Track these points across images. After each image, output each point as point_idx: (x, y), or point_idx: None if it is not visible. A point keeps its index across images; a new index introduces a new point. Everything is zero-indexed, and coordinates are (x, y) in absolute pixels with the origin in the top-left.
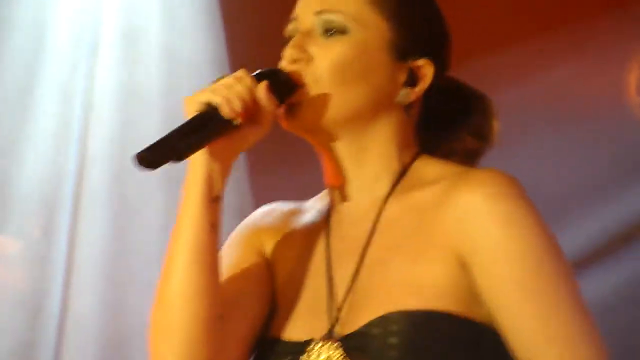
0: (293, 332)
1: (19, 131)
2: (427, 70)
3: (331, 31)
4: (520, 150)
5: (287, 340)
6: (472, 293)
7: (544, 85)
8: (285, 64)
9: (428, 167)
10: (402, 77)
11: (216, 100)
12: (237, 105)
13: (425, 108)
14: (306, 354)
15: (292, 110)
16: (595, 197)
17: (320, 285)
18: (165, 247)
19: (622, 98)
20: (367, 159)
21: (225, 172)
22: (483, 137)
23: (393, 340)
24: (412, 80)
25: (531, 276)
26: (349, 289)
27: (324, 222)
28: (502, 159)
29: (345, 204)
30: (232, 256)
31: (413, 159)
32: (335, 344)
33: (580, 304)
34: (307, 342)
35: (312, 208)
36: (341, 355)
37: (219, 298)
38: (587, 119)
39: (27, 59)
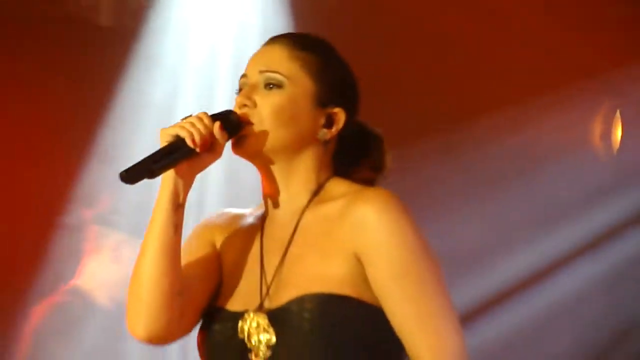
0: (233, 304)
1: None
2: (340, 116)
3: (270, 86)
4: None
5: (229, 310)
6: (366, 282)
7: (529, 135)
8: (236, 108)
9: (337, 186)
10: (322, 120)
11: (182, 134)
12: (198, 139)
13: (340, 143)
14: (242, 320)
15: (240, 141)
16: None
17: (255, 271)
18: None
19: (589, 144)
20: (292, 179)
21: (187, 186)
22: (377, 169)
23: (307, 315)
24: (329, 123)
25: (407, 276)
26: (274, 276)
27: (260, 224)
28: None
29: (276, 211)
30: (190, 247)
31: (326, 180)
32: (264, 315)
33: (447, 302)
34: (244, 312)
35: (252, 214)
36: (267, 323)
37: (179, 280)
38: (562, 160)
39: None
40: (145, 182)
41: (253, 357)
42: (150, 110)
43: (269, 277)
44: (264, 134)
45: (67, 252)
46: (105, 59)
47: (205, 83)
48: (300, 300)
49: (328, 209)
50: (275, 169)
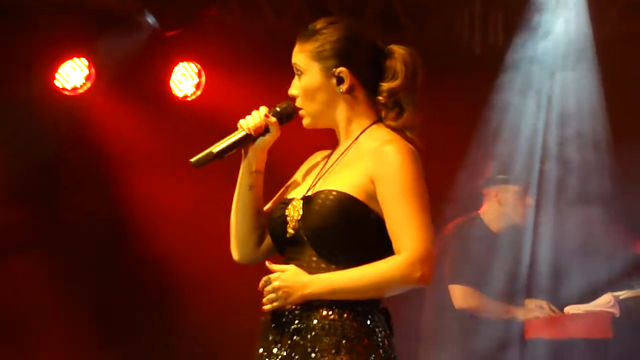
0: (291, 194)
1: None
2: (344, 72)
3: (299, 74)
4: None
5: (286, 197)
6: (373, 198)
7: None
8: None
9: (378, 132)
10: (333, 81)
11: (243, 124)
12: (252, 127)
13: (366, 88)
14: (290, 203)
15: (303, 120)
16: None
17: (314, 177)
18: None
19: None
20: (342, 125)
21: (258, 158)
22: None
23: (320, 200)
24: (340, 80)
25: (403, 196)
26: (320, 178)
27: (330, 153)
28: None
29: (340, 145)
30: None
31: (370, 125)
32: (300, 200)
33: (427, 221)
34: (292, 199)
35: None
36: (300, 205)
37: (254, 221)
38: None
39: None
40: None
41: (288, 227)
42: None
43: (315, 181)
44: (307, 111)
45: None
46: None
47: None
48: (322, 192)
49: (368, 145)
50: (330, 124)
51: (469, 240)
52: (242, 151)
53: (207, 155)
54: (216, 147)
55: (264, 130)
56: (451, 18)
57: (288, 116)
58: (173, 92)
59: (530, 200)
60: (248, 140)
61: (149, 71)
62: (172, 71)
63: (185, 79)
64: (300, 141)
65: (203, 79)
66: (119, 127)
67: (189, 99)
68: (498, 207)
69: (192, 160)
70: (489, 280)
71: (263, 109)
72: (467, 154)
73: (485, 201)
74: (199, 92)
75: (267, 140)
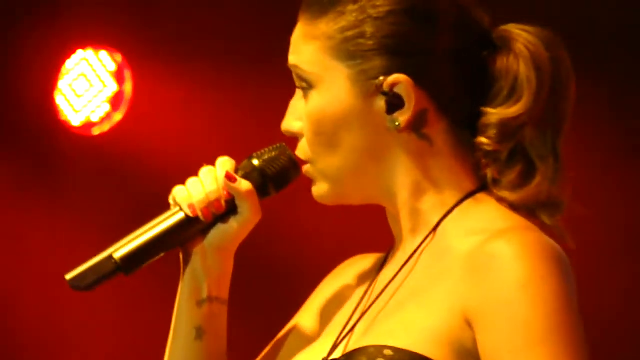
0: (303, 353)
1: None
2: (403, 83)
3: (304, 89)
4: None
5: (293, 358)
6: (470, 350)
7: None
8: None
9: (476, 214)
10: (380, 105)
11: (180, 200)
12: (200, 205)
13: (452, 117)
14: None
15: (313, 187)
16: None
17: (346, 318)
18: None
19: None
20: (400, 203)
21: (212, 271)
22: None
23: None
24: (395, 103)
25: (538, 347)
26: (362, 316)
27: (383, 259)
28: None
29: (399, 246)
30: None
31: (460, 201)
32: None
33: None
34: None
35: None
36: None
37: None
38: None
39: None
40: None
41: None
42: None
43: (351, 324)
44: (322, 168)
45: None
46: None
47: None
48: (365, 350)
49: (460, 243)
50: (375, 198)
51: None
52: (181, 254)
53: (99, 263)
54: (121, 248)
55: (226, 208)
56: None
57: (279, 178)
58: (62, 115)
59: None
60: (192, 231)
61: (16, 70)
62: (60, 69)
63: (88, 87)
64: (321, 216)
65: (128, 85)
66: None
67: (95, 130)
68: None
69: (70, 275)
70: None
71: (223, 164)
72: None
73: None
74: (117, 116)
75: (231, 230)
